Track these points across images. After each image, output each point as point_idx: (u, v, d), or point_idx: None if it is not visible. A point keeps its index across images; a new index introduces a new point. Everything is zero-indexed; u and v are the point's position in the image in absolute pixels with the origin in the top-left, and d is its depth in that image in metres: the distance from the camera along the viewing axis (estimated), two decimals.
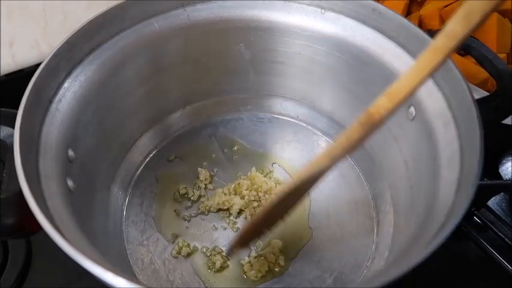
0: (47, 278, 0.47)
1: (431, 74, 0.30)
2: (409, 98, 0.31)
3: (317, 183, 0.36)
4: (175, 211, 0.49)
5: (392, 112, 0.31)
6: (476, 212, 0.49)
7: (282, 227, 0.45)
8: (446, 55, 0.29)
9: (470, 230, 0.48)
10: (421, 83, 0.30)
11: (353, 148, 0.33)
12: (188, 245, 0.46)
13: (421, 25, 0.61)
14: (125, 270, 0.44)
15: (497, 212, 0.49)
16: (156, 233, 0.47)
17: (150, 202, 0.50)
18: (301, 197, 0.39)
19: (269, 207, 0.37)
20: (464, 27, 0.28)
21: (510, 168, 0.54)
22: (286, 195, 0.35)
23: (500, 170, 0.54)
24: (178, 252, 0.45)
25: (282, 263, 0.44)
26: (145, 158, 0.53)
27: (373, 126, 0.32)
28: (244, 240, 0.41)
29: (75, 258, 0.26)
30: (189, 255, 0.45)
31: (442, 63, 0.29)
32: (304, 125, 0.56)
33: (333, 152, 0.33)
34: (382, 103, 0.31)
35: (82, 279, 0.46)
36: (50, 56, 0.37)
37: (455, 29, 0.28)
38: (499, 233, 0.47)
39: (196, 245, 0.46)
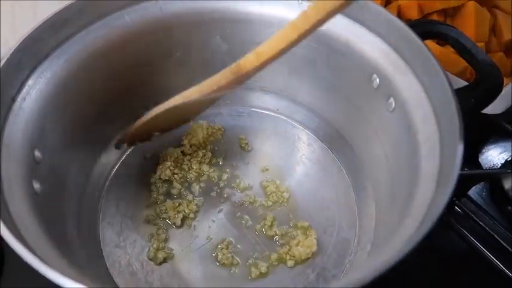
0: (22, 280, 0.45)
1: (291, 47, 0.37)
2: (272, 61, 0.38)
3: (190, 113, 0.47)
4: (154, 210, 0.47)
5: (256, 69, 0.39)
6: (457, 201, 0.49)
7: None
8: (300, 35, 0.36)
9: (451, 220, 0.48)
10: (282, 51, 0.37)
11: (219, 90, 0.41)
12: (163, 248, 0.44)
13: (399, 15, 0.61)
14: (101, 274, 0.42)
15: (478, 202, 0.50)
16: (133, 233, 0.46)
17: (127, 202, 0.48)
18: (176, 118, 0.47)
19: (155, 115, 0.44)
20: (317, 13, 0.34)
21: (490, 158, 0.55)
22: (167, 110, 0.43)
23: (480, 160, 0.54)
24: (155, 257, 0.44)
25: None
26: (121, 156, 0.51)
27: (239, 77, 0.39)
28: (132, 137, 0.47)
29: (37, 267, 0.25)
30: (165, 259, 0.44)
31: (299, 39, 0.36)
32: (284, 118, 0.55)
33: (203, 89, 0.41)
34: (250, 59, 0.39)
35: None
36: (11, 51, 0.35)
37: (310, 13, 0.35)
38: (480, 222, 0.47)
39: (175, 245, 0.45)
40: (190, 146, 0.51)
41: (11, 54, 0.35)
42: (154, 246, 0.44)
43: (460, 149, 0.31)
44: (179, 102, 0.42)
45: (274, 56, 0.38)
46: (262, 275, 0.43)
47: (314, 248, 0.43)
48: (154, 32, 0.47)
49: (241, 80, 0.39)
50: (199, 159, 0.51)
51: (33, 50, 0.38)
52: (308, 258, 0.44)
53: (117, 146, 0.48)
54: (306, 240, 0.44)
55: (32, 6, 0.62)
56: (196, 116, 0.50)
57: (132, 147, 0.52)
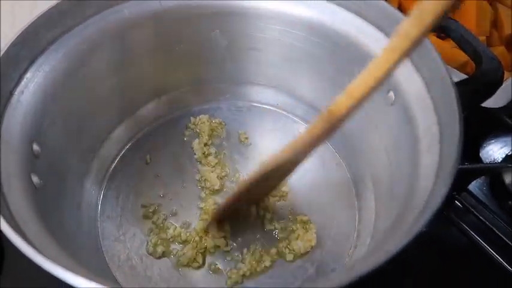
0: (22, 278, 0.45)
1: (388, 74, 0.31)
2: (367, 97, 0.32)
3: (284, 175, 0.40)
4: (152, 204, 0.47)
5: (351, 109, 0.33)
6: (457, 196, 0.49)
7: None
8: (401, 55, 0.30)
9: (451, 215, 0.48)
10: (378, 82, 0.31)
11: (315, 143, 0.35)
12: (162, 243, 0.44)
13: (400, 8, 0.60)
14: (101, 268, 0.42)
15: (478, 196, 0.49)
16: (132, 227, 0.46)
17: (127, 195, 0.48)
18: (269, 186, 0.43)
19: (242, 189, 0.40)
20: (417, 29, 0.28)
21: (491, 152, 0.54)
22: (252, 183, 0.39)
23: (480, 154, 0.54)
24: (154, 251, 0.44)
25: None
26: (120, 150, 0.51)
27: (333, 123, 0.34)
28: (219, 217, 0.43)
29: (36, 261, 0.25)
30: (164, 253, 0.44)
31: (398, 63, 0.30)
32: (284, 112, 0.55)
33: (296, 146, 0.36)
34: (341, 101, 0.33)
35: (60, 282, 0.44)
36: (9, 45, 0.35)
37: (408, 30, 0.29)
38: (480, 217, 0.47)
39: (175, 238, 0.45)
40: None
41: (8, 48, 0.35)
42: (153, 240, 0.44)
43: (459, 141, 0.31)
44: (272, 166, 0.37)
45: (369, 91, 0.32)
46: (266, 269, 0.43)
47: (313, 242, 0.43)
48: (153, 26, 0.47)
49: (336, 126, 0.34)
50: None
51: (31, 43, 0.38)
52: (307, 252, 0.44)
53: (208, 228, 0.44)
54: (306, 234, 0.44)
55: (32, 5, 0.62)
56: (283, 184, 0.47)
57: (132, 143, 0.52)
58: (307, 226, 0.45)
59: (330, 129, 0.34)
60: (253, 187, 0.39)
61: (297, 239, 0.44)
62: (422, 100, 0.37)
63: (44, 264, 0.26)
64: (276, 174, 0.39)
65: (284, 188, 0.48)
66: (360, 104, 0.32)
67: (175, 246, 0.44)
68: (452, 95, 0.34)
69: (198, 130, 0.53)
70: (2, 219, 0.27)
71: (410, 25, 0.28)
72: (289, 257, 0.43)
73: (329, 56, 0.48)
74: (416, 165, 0.35)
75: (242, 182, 0.43)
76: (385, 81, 0.31)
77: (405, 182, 0.37)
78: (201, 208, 0.47)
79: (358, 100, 0.32)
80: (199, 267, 0.43)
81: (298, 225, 0.45)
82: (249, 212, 0.45)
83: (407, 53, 0.30)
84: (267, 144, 0.53)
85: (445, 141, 0.34)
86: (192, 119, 0.53)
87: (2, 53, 0.35)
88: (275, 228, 0.45)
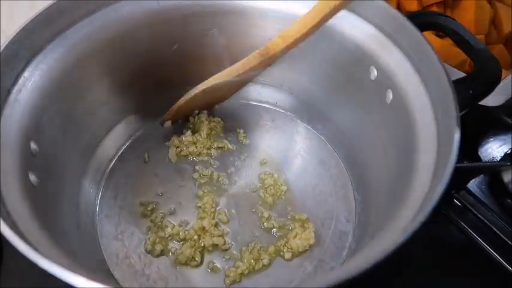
0: (21, 277, 0.45)
1: (319, 25, 0.39)
2: (299, 43, 0.41)
3: (226, 93, 0.53)
4: (151, 203, 0.47)
5: (284, 51, 0.42)
6: (456, 194, 0.48)
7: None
8: (334, 8, 0.37)
9: (450, 213, 0.48)
10: (309, 32, 0.40)
11: (251, 73, 0.46)
12: (160, 241, 0.44)
13: (399, 7, 0.60)
14: (99, 266, 0.42)
15: (477, 195, 0.49)
16: (131, 226, 0.46)
17: (125, 194, 0.48)
18: (218, 96, 0.52)
19: (194, 94, 0.48)
20: None
21: (489, 150, 0.54)
22: (205, 90, 0.48)
23: (479, 152, 0.54)
24: (152, 249, 0.44)
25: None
26: (119, 149, 0.51)
27: (268, 58, 0.43)
28: (175, 115, 0.51)
29: (33, 259, 0.25)
30: (162, 251, 0.44)
31: (330, 15, 0.38)
32: (283, 111, 0.55)
33: (233, 72, 0.46)
34: (277, 42, 0.42)
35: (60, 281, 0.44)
36: (6, 43, 0.35)
37: None
38: (479, 216, 0.47)
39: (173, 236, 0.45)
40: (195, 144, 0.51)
41: (6, 46, 0.35)
42: (152, 239, 0.44)
43: (456, 138, 0.31)
44: (212, 83, 0.47)
45: (300, 38, 0.41)
46: (264, 267, 0.43)
47: (312, 241, 0.43)
48: (151, 25, 0.47)
49: (270, 61, 0.44)
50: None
51: (29, 42, 0.37)
52: (306, 250, 0.44)
53: (162, 124, 0.52)
54: (304, 232, 0.44)
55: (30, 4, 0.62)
56: (230, 96, 0.55)
57: (130, 141, 0.52)
58: (306, 225, 0.45)
59: (263, 64, 0.44)
60: (202, 95, 0.49)
61: (295, 237, 0.44)
62: (420, 98, 0.37)
63: (41, 263, 0.26)
64: (219, 89, 0.49)
65: (282, 187, 0.48)
66: (292, 47, 0.42)
67: (174, 245, 0.44)
68: (449, 92, 0.34)
69: (196, 129, 0.53)
70: None
71: None
72: (287, 255, 0.43)
73: (327, 55, 0.48)
74: (414, 164, 0.35)
75: (195, 89, 0.49)
76: (315, 31, 0.39)
77: (403, 179, 0.37)
78: (199, 207, 0.47)
79: (289, 45, 0.42)
80: (197, 266, 0.43)
81: (296, 223, 0.45)
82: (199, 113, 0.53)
83: (337, 10, 0.37)
84: (265, 143, 0.53)
85: (443, 139, 0.34)
86: (190, 118, 0.53)
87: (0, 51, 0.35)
88: (273, 227, 0.45)
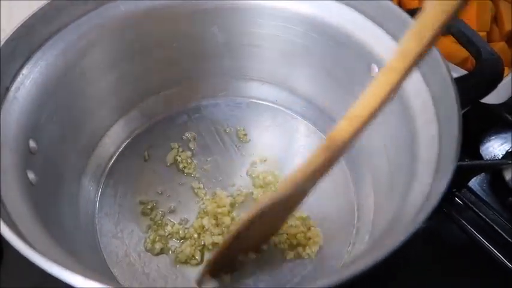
0: (21, 277, 0.45)
1: (390, 96, 0.29)
2: (370, 121, 0.30)
3: (286, 213, 0.38)
4: (151, 201, 0.47)
5: (353, 136, 0.30)
6: (457, 193, 0.48)
7: None
8: (403, 74, 0.28)
9: (451, 211, 0.48)
10: (380, 106, 0.29)
11: (319, 174, 0.32)
12: (160, 240, 0.44)
13: (400, 4, 0.60)
14: (99, 265, 0.42)
15: (478, 193, 0.49)
16: (130, 224, 0.45)
17: (125, 192, 0.48)
18: (269, 228, 0.39)
19: (236, 231, 0.35)
20: (417, 45, 0.27)
21: (491, 149, 0.54)
22: (253, 221, 0.34)
23: (481, 151, 0.54)
24: (152, 248, 0.43)
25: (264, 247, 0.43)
26: (118, 147, 0.51)
27: (336, 151, 0.31)
28: (214, 268, 0.39)
29: (32, 258, 0.25)
30: (162, 250, 0.44)
31: (400, 82, 0.28)
32: (283, 109, 0.55)
33: (297, 178, 0.32)
34: (342, 127, 0.30)
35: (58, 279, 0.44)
36: (5, 40, 0.35)
37: (409, 46, 0.27)
38: (480, 214, 0.47)
39: (172, 234, 0.45)
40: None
41: (4, 43, 0.35)
42: (151, 237, 0.44)
43: (458, 139, 0.31)
44: (266, 205, 0.33)
45: (374, 111, 0.29)
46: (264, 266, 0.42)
47: (321, 242, 0.43)
48: (150, 22, 0.46)
49: (339, 154, 0.31)
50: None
51: (27, 39, 0.37)
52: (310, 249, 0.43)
53: (199, 283, 0.40)
54: (311, 241, 0.44)
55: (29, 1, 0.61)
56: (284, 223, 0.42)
57: (130, 139, 0.51)
58: (307, 222, 0.45)
59: (332, 158, 0.31)
60: (248, 231, 0.34)
61: (306, 240, 0.43)
62: (421, 95, 0.37)
63: (40, 262, 0.25)
64: (276, 213, 0.35)
65: None
66: (364, 128, 0.30)
67: (174, 243, 0.44)
68: (450, 90, 0.33)
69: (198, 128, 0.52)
70: None
71: (410, 42, 0.27)
72: (290, 255, 0.43)
73: (327, 52, 0.48)
74: (415, 162, 0.35)
75: (233, 226, 0.39)
76: (389, 101, 0.29)
77: (404, 177, 0.37)
78: (199, 205, 0.46)
79: (360, 126, 0.29)
80: (197, 264, 0.43)
81: (297, 221, 0.45)
82: (246, 259, 0.41)
83: (410, 71, 0.28)
84: (265, 141, 0.52)
85: (444, 137, 0.34)
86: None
87: None
88: None
